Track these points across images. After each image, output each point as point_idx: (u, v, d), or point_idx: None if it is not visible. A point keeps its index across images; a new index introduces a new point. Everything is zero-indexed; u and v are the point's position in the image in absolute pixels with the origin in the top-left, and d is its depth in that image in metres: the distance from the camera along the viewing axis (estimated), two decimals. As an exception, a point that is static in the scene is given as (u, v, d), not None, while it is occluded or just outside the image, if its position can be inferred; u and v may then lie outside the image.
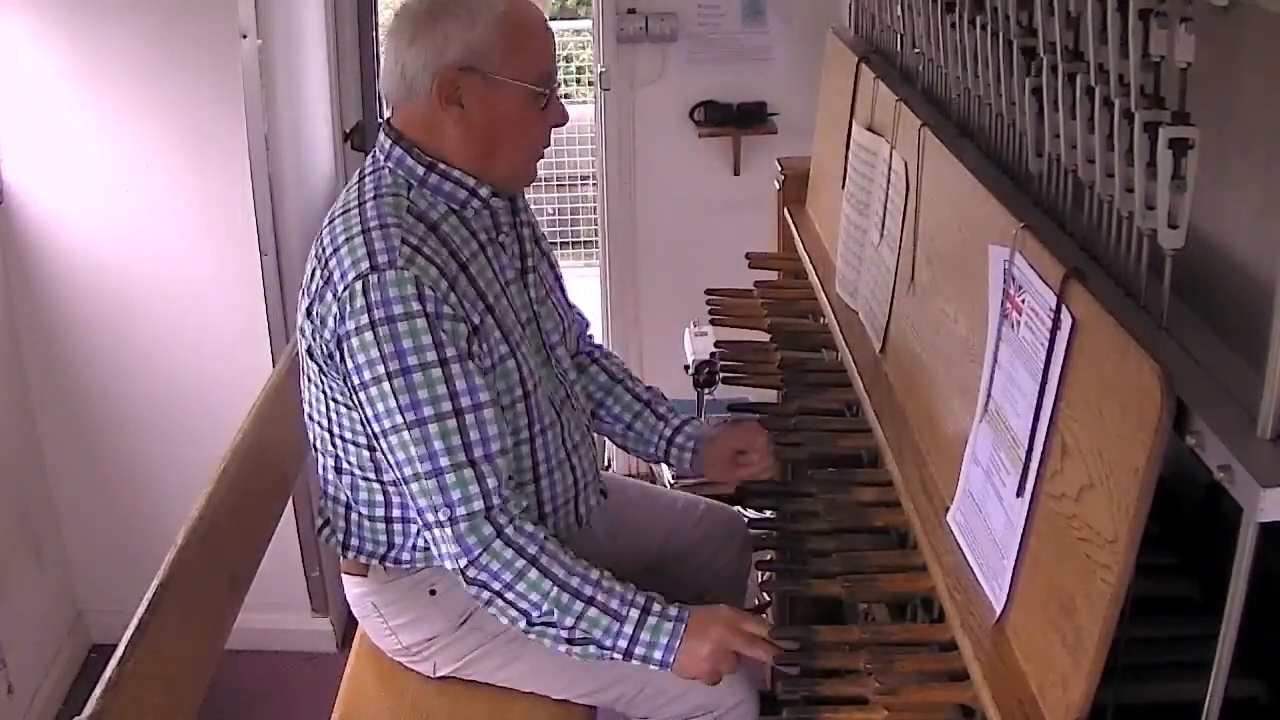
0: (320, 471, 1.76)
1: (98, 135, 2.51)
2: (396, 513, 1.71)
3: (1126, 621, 1.13)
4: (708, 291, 2.47)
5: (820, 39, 2.62)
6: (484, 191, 1.66)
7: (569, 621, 1.57)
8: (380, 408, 1.54)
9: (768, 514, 1.90)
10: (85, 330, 2.65)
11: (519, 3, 1.62)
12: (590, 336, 2.03)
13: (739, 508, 2.04)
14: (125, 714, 1.39)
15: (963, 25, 1.76)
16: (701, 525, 2.02)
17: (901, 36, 2.19)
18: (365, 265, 1.53)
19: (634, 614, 1.58)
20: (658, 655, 1.58)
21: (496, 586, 1.57)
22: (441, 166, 1.63)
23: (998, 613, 1.34)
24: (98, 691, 1.37)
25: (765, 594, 2.24)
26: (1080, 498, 1.19)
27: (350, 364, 1.55)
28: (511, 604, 1.58)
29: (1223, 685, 1.09)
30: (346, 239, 1.57)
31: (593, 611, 1.57)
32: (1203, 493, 1.36)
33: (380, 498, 1.70)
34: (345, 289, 1.54)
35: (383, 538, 1.73)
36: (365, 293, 1.52)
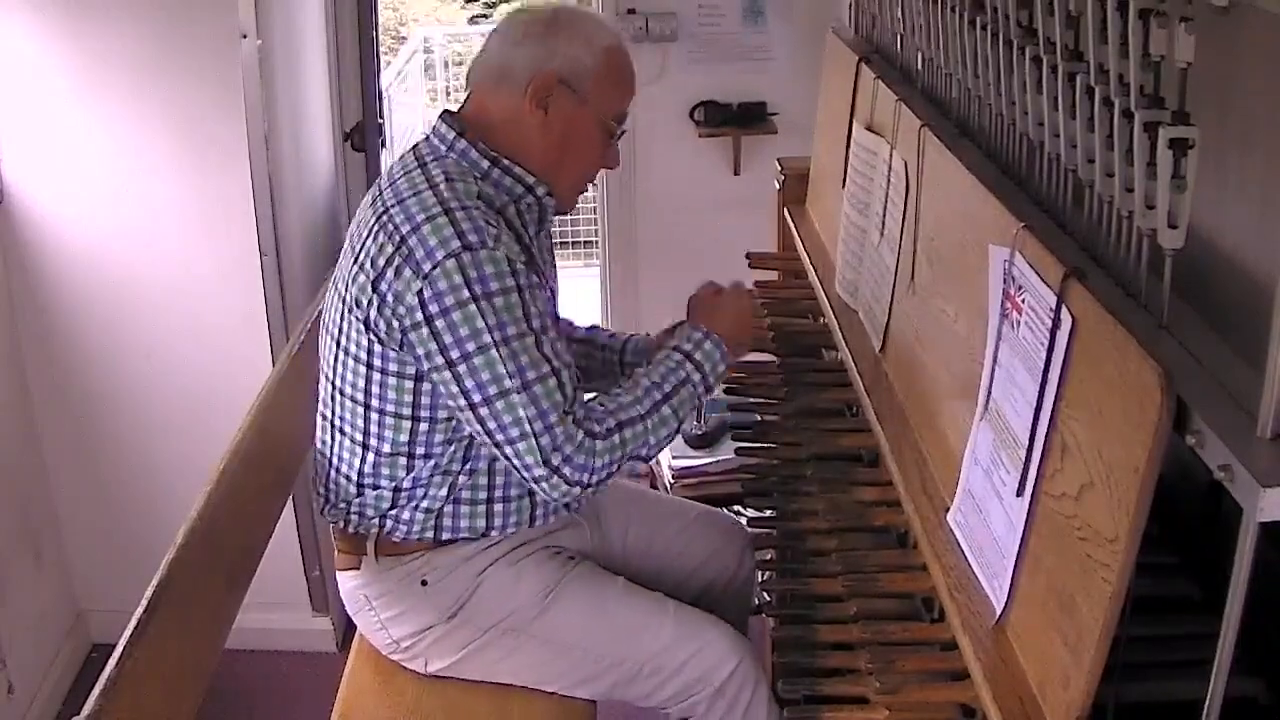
0: (333, 450, 1.77)
1: (98, 135, 2.51)
2: (406, 485, 1.74)
3: (1127, 620, 1.13)
4: (708, 291, 2.46)
5: (820, 39, 2.63)
6: (540, 190, 1.73)
7: (672, 422, 1.72)
8: (485, 376, 1.61)
9: (768, 513, 1.90)
10: (85, 330, 2.65)
11: (624, 45, 1.76)
12: None
13: (739, 506, 2.04)
14: (125, 714, 1.39)
15: (963, 25, 1.76)
16: (702, 531, 2.01)
17: (901, 36, 2.19)
18: (456, 244, 1.59)
19: (690, 368, 1.76)
20: (723, 366, 1.80)
21: (617, 467, 1.67)
22: (505, 162, 1.71)
23: (998, 612, 1.34)
24: (97, 691, 1.37)
25: (766, 593, 2.24)
26: (1080, 497, 1.19)
27: (449, 337, 1.60)
28: (633, 459, 1.69)
29: (1223, 684, 1.09)
30: (428, 218, 1.61)
31: (675, 400, 1.72)
32: (1203, 493, 1.36)
33: (400, 472, 1.73)
34: (435, 267, 1.58)
35: (387, 504, 1.75)
36: (462, 270, 1.58)
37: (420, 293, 1.59)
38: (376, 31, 3.14)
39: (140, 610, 1.48)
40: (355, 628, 1.91)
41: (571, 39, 1.70)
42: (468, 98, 1.76)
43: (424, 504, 1.74)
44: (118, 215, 2.57)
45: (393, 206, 1.65)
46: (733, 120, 3.44)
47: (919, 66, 2.09)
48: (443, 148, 1.71)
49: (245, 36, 2.43)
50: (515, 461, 1.63)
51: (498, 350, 1.59)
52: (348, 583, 1.82)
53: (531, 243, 1.74)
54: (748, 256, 2.59)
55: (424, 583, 1.77)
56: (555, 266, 1.90)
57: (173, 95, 2.48)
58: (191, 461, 2.21)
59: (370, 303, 1.64)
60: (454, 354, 1.60)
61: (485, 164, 1.70)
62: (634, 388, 1.72)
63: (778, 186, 2.67)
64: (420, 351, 1.62)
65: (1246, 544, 1.04)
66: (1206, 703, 1.11)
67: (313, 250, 2.81)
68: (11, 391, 2.63)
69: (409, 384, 1.67)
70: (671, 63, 3.44)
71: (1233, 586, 1.06)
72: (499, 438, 1.62)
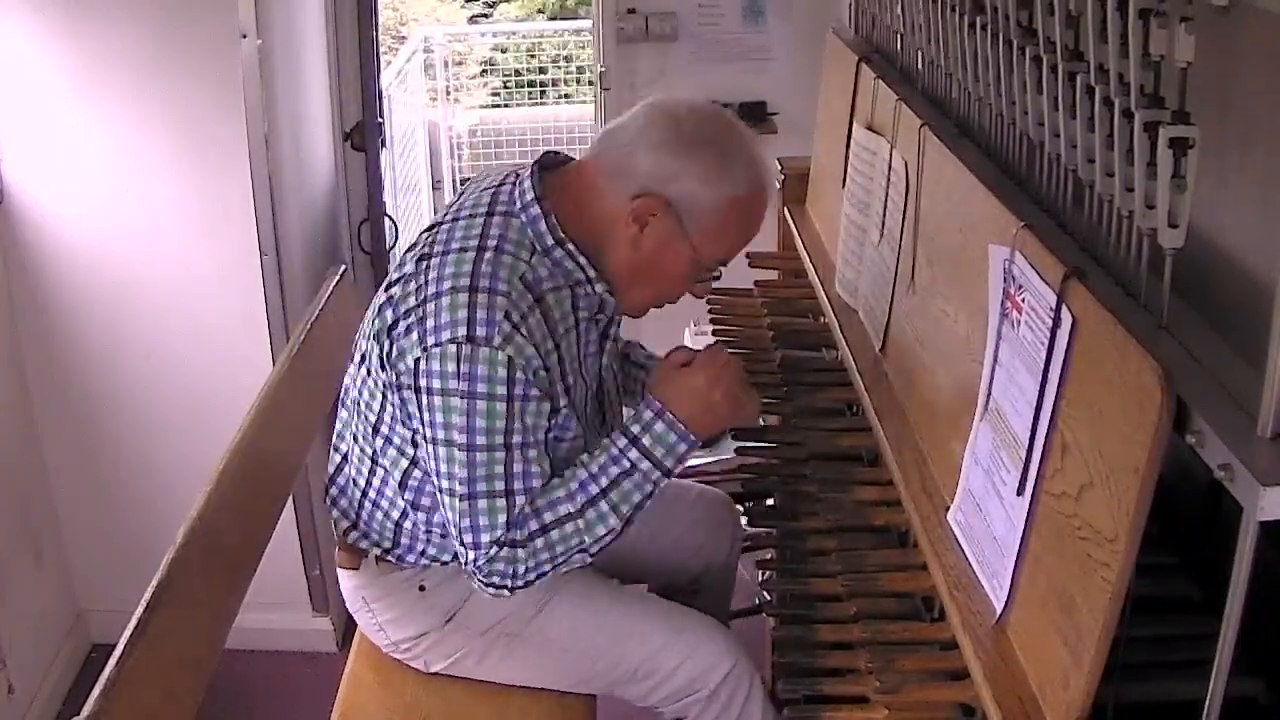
0: (344, 456, 1.77)
1: (98, 135, 2.51)
2: (408, 523, 1.73)
3: (1127, 620, 1.13)
4: (708, 291, 2.46)
5: (820, 39, 2.62)
6: (599, 287, 1.63)
7: (612, 519, 1.59)
8: (443, 467, 1.56)
9: (769, 503, 1.90)
10: (85, 330, 2.65)
11: (759, 195, 1.61)
12: None
13: (739, 506, 2.04)
14: (125, 714, 1.39)
15: (963, 25, 1.76)
16: (692, 512, 2.02)
17: (901, 36, 2.19)
18: (462, 332, 1.51)
19: (633, 454, 1.60)
20: (683, 447, 1.61)
21: (546, 569, 1.60)
22: (571, 246, 1.59)
23: (998, 611, 1.34)
24: (97, 691, 1.37)
25: (766, 592, 2.24)
26: (1080, 497, 1.19)
27: (426, 416, 1.55)
28: (566, 561, 1.61)
29: (1223, 684, 1.10)
30: (452, 288, 1.53)
31: (614, 494, 1.59)
32: (1203, 492, 1.36)
33: (400, 501, 1.71)
34: (436, 345, 1.52)
35: (390, 534, 1.75)
36: (457, 360, 1.51)
37: (418, 362, 1.54)
38: (376, 31, 3.14)
39: (140, 610, 1.48)
40: (355, 628, 1.91)
41: (704, 168, 1.55)
42: (584, 160, 1.64)
43: (427, 549, 1.74)
44: (118, 215, 2.57)
45: (437, 254, 1.57)
46: (733, 120, 3.44)
47: (919, 66, 2.09)
48: (517, 205, 1.59)
49: (245, 36, 2.43)
50: (449, 530, 1.62)
51: (459, 450, 1.54)
52: (347, 582, 1.83)
53: (578, 325, 1.64)
54: (748, 256, 2.58)
55: (421, 588, 1.77)
56: (613, 342, 1.78)
57: (173, 95, 2.47)
58: (191, 461, 2.21)
59: (387, 344, 1.59)
60: (425, 432, 1.57)
61: (550, 240, 1.58)
62: (569, 479, 1.60)
63: (778, 186, 2.67)
64: (408, 410, 1.59)
65: (1246, 544, 1.04)
66: (1206, 703, 1.11)
67: (313, 250, 2.81)
68: (11, 391, 2.63)
69: (408, 431, 1.63)
70: (671, 63, 3.44)
71: (1233, 586, 1.06)
72: (446, 516, 1.60)
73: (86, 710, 1.34)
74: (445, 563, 1.75)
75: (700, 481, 2.84)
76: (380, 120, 3.16)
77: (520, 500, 1.57)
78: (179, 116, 2.49)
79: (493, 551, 1.57)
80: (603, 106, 3.47)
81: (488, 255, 1.55)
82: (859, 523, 1.73)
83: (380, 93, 3.21)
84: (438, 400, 1.54)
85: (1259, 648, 1.25)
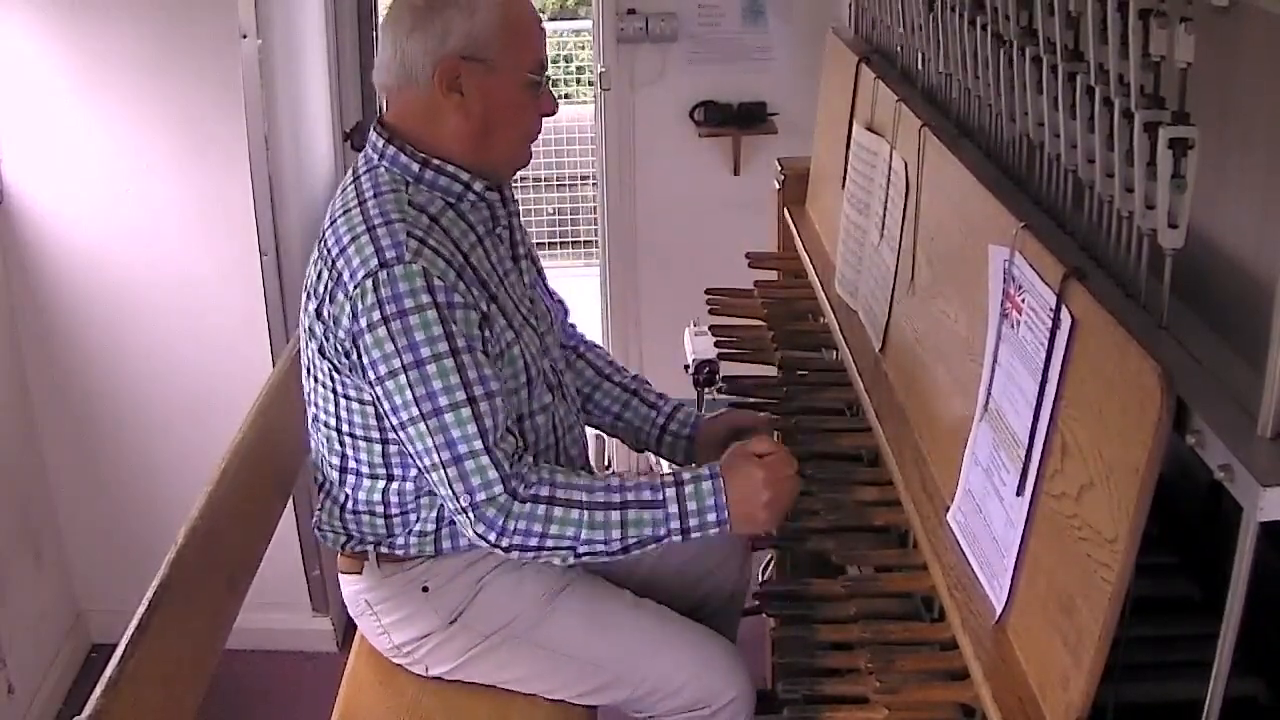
0: (321, 472, 1.76)
1: (98, 135, 2.51)
2: (395, 510, 1.72)
3: (1127, 621, 1.13)
4: (708, 291, 2.47)
5: (820, 39, 2.62)
6: (478, 186, 1.67)
7: (615, 534, 1.59)
8: (398, 400, 1.57)
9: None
10: (85, 330, 2.65)
11: None
12: (573, 326, 2.03)
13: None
14: (125, 714, 1.39)
15: (963, 25, 1.76)
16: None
17: (902, 36, 2.19)
18: (374, 262, 1.55)
19: (671, 493, 1.60)
20: (713, 518, 1.60)
21: (533, 542, 1.59)
22: (436, 162, 1.65)
23: (998, 612, 1.34)
24: (98, 691, 1.37)
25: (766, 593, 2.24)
26: (1080, 497, 1.19)
27: (366, 359, 1.57)
28: (553, 549, 1.60)
29: (1223, 685, 1.10)
30: (352, 238, 1.58)
31: (632, 514, 1.59)
32: (1203, 493, 1.36)
33: (379, 496, 1.71)
34: (356, 287, 1.55)
35: (381, 529, 1.74)
36: (376, 289, 1.54)
37: (349, 313, 1.56)
38: (376, 31, 3.14)
39: (141, 610, 1.48)
40: (355, 627, 1.91)
41: (460, 9, 1.59)
42: (386, 104, 1.70)
43: (416, 528, 1.72)
44: (118, 215, 2.57)
45: (327, 229, 1.64)
46: (733, 120, 3.44)
47: (919, 66, 2.09)
48: (375, 157, 1.67)
49: (245, 36, 2.43)
50: (438, 490, 1.61)
51: (406, 375, 1.55)
52: (349, 586, 1.82)
53: (482, 242, 1.68)
54: (748, 256, 2.59)
55: (425, 589, 1.76)
56: (524, 254, 1.80)
57: (173, 95, 2.48)
58: (191, 461, 2.21)
59: (320, 330, 1.62)
60: (371, 375, 1.57)
61: (416, 167, 1.64)
62: (601, 479, 1.62)
63: (778, 186, 2.67)
64: (358, 374, 1.60)
65: (1246, 544, 1.04)
66: (1206, 703, 1.11)
67: (312, 250, 2.81)
68: (11, 391, 2.63)
69: (370, 408, 1.64)
70: (671, 63, 3.44)
71: (1233, 586, 1.06)
72: (423, 462, 1.60)
73: (87, 710, 1.34)
74: (437, 547, 1.73)
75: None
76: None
77: (485, 406, 1.56)
78: (179, 116, 2.49)
79: (485, 468, 1.56)
80: (602, 106, 3.47)
81: (369, 201, 1.62)
82: (859, 522, 1.73)
83: (375, 84, 3.20)
84: (371, 337, 1.55)
85: (1259, 648, 1.25)
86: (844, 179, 2.20)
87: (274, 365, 2.27)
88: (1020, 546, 1.31)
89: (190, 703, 1.61)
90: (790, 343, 2.27)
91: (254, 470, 1.87)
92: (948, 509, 1.51)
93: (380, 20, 3.17)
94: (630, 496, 1.60)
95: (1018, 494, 1.31)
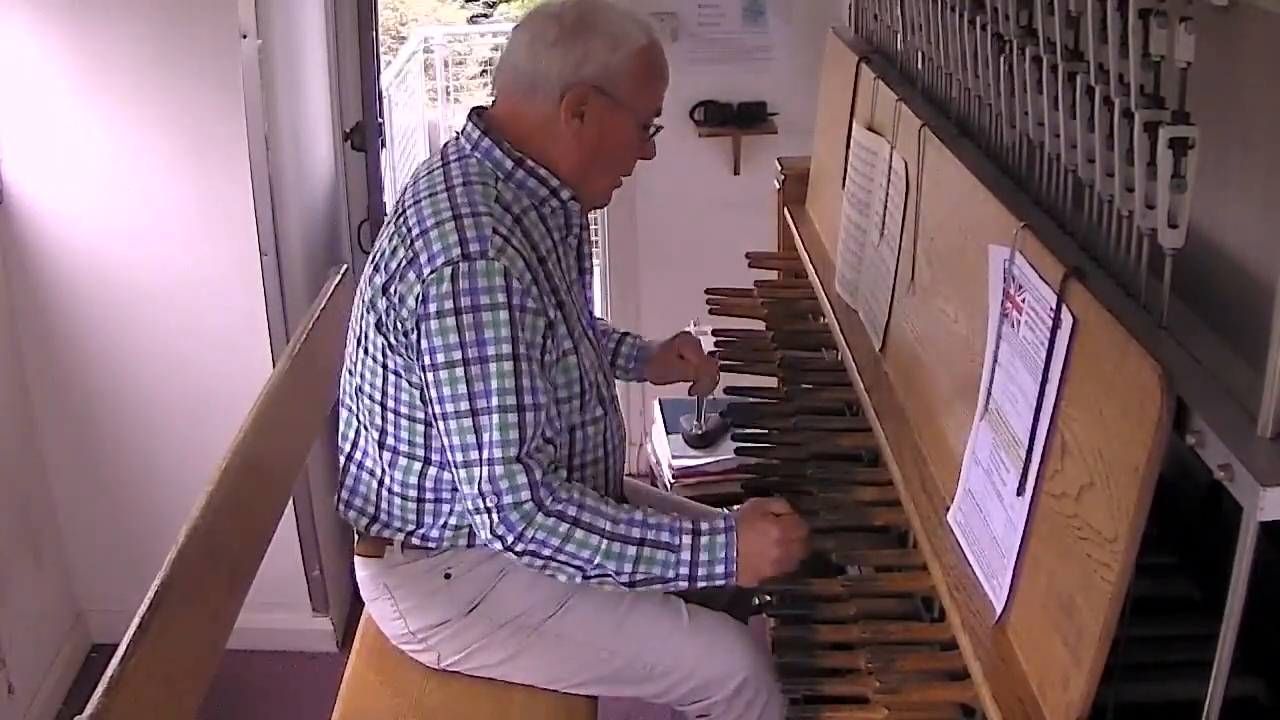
0: (354, 445, 1.77)
1: (98, 135, 2.51)
2: (430, 495, 1.73)
3: (1127, 621, 1.13)
4: (708, 291, 2.47)
5: (820, 39, 2.63)
6: (565, 194, 1.71)
7: (627, 567, 1.61)
8: (446, 391, 1.59)
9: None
10: (85, 330, 2.65)
11: (656, 41, 1.72)
12: None
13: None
14: (126, 714, 1.39)
15: (963, 25, 1.76)
16: None
17: (901, 36, 2.19)
18: (457, 252, 1.57)
19: (687, 539, 1.62)
20: (720, 570, 1.63)
21: (546, 552, 1.61)
22: (529, 163, 1.68)
23: (998, 612, 1.34)
24: (98, 691, 1.37)
25: (766, 593, 2.24)
26: (1080, 497, 1.19)
27: (426, 344, 1.58)
28: (564, 564, 1.62)
29: (1223, 685, 1.10)
30: (437, 223, 1.60)
31: (647, 551, 1.62)
32: (1203, 493, 1.36)
33: (415, 479, 1.72)
34: (433, 272, 1.57)
35: (412, 516, 1.75)
36: (454, 279, 1.56)
37: (419, 296, 1.58)
38: (376, 31, 3.14)
39: (142, 610, 1.48)
40: (355, 628, 1.90)
41: (604, 40, 1.65)
42: (496, 99, 1.73)
43: (451, 520, 1.74)
44: (118, 215, 2.57)
45: (409, 208, 1.64)
46: (733, 120, 3.44)
47: (919, 66, 2.09)
48: (468, 146, 1.69)
49: (245, 36, 2.43)
50: (462, 487, 1.62)
51: (465, 369, 1.57)
52: (367, 569, 1.82)
53: (556, 248, 1.71)
54: (748, 256, 2.59)
55: (448, 575, 1.77)
56: (590, 267, 1.86)
57: (173, 95, 2.48)
58: (191, 461, 2.21)
59: (382, 305, 1.63)
60: (427, 360, 1.59)
61: (509, 164, 1.67)
62: (626, 511, 1.64)
63: (778, 186, 2.67)
64: (412, 354, 1.62)
65: (1246, 544, 1.04)
66: (1206, 703, 1.11)
67: (312, 250, 2.81)
68: (11, 391, 2.63)
69: (416, 389, 1.66)
70: (671, 63, 3.41)
71: (1233, 586, 1.06)
72: (454, 456, 1.61)
73: (88, 710, 1.34)
74: (470, 541, 1.74)
75: (700, 481, 2.84)
76: (380, 120, 3.16)
77: (530, 417, 1.58)
78: (179, 116, 2.49)
79: (515, 476, 1.57)
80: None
81: (458, 189, 1.63)
82: (859, 522, 1.73)
83: (380, 93, 3.21)
84: (438, 324, 1.57)
85: (1259, 648, 1.25)
86: (844, 179, 2.20)
87: (274, 365, 2.27)
88: (1020, 546, 1.31)
89: (191, 703, 1.61)
90: (790, 343, 2.27)
91: (254, 470, 1.87)
92: (948, 509, 1.51)
93: (380, 21, 3.18)
94: (650, 535, 1.62)
95: (1018, 494, 1.31)
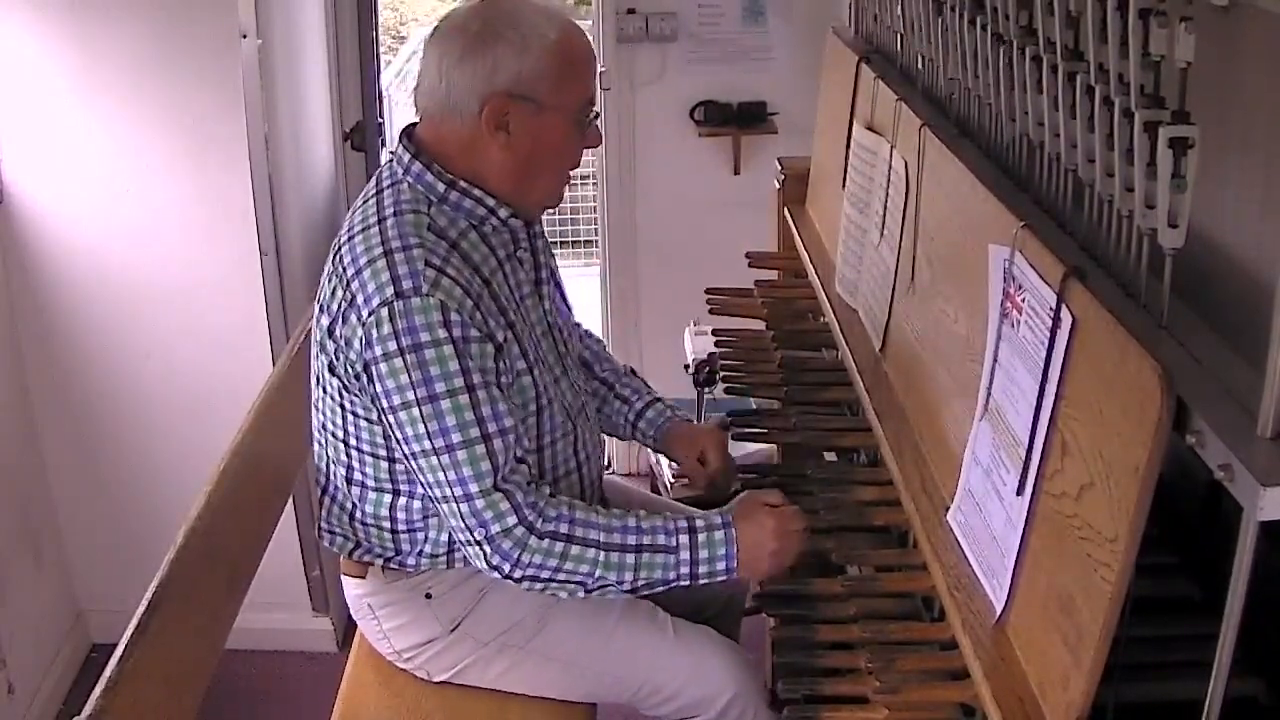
0: (327, 479, 1.75)
1: (98, 135, 2.51)
2: (403, 525, 1.71)
3: (1127, 621, 1.13)
4: (708, 291, 2.47)
5: (820, 39, 2.62)
6: (503, 213, 1.65)
7: (628, 575, 1.60)
8: (409, 431, 1.55)
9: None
10: (85, 330, 2.65)
11: (569, 30, 1.61)
12: (586, 332, 2.03)
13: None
14: (125, 713, 1.39)
15: (963, 25, 1.76)
16: None
17: (901, 36, 2.19)
18: (390, 291, 1.52)
19: (684, 539, 1.61)
20: (721, 566, 1.62)
21: (545, 574, 1.59)
22: (462, 184, 1.62)
23: (998, 611, 1.34)
24: (98, 691, 1.37)
25: (755, 594, 2.23)
26: (1080, 497, 1.19)
27: (379, 388, 1.55)
28: (565, 583, 1.60)
29: (1223, 684, 1.10)
30: (369, 261, 1.55)
31: (645, 556, 1.60)
32: (1203, 492, 1.36)
33: (386, 510, 1.70)
34: (370, 314, 1.53)
35: (390, 543, 1.73)
36: (391, 319, 1.52)
37: (362, 340, 1.54)
38: (376, 31, 3.14)
39: (141, 610, 1.48)
40: (355, 628, 1.91)
41: (511, 45, 1.55)
42: (420, 120, 1.65)
43: (426, 549, 1.72)
44: (118, 215, 2.57)
45: (344, 245, 1.60)
46: (733, 120, 3.44)
47: (919, 66, 2.09)
48: (400, 171, 1.63)
49: (245, 36, 2.43)
50: (449, 521, 1.61)
51: (420, 408, 1.53)
52: (352, 590, 1.81)
53: (502, 266, 1.65)
54: (748, 256, 2.59)
55: (428, 595, 1.76)
56: (549, 276, 1.79)
57: (173, 95, 2.48)
58: (191, 461, 2.21)
59: (330, 348, 1.60)
60: (384, 403, 1.56)
61: (441, 187, 1.61)
62: (618, 517, 1.62)
63: (778, 186, 2.67)
64: (368, 397, 1.59)
65: (1246, 544, 1.04)
66: (1206, 703, 1.11)
67: (313, 250, 2.81)
68: (11, 391, 2.63)
69: (377, 427, 1.62)
70: (671, 63, 3.44)
71: (1233, 586, 1.06)
72: (434, 493, 1.59)
73: (87, 710, 1.34)
74: (449, 563, 1.73)
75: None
76: (380, 120, 3.16)
77: (499, 444, 1.55)
78: (179, 116, 2.49)
79: (497, 502, 1.55)
80: (603, 107, 3.47)
81: (389, 221, 1.58)
82: (859, 522, 1.73)
83: (380, 93, 3.21)
84: (386, 366, 1.53)
85: (1259, 648, 1.25)
86: (844, 178, 2.20)
87: (274, 365, 2.27)
88: (1020, 546, 1.31)
89: (190, 703, 1.60)
90: (790, 342, 2.26)
91: (254, 470, 1.87)
92: (948, 509, 1.51)
93: (380, 21, 3.18)
94: (646, 540, 1.60)
95: (1018, 494, 1.31)
